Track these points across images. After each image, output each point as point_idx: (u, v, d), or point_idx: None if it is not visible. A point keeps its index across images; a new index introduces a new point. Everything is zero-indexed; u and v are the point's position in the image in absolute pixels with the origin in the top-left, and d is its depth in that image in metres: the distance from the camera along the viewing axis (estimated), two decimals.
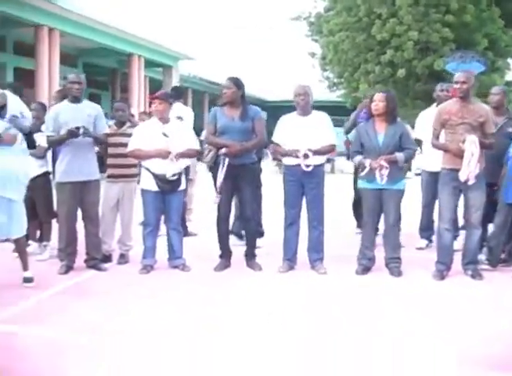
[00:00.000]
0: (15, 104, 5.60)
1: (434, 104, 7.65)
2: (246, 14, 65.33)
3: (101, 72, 27.62)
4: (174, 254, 6.46)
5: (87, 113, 6.22)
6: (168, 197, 6.34)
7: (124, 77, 26.49)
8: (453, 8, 22.71)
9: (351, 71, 26.29)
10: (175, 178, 6.24)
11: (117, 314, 4.97)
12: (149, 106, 6.57)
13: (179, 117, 7.41)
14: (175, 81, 26.78)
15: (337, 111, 5.85)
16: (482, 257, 6.54)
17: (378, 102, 6.15)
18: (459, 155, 5.93)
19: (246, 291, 5.72)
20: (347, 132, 8.29)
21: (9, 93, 5.66)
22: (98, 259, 6.41)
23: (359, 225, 8.41)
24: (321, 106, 6.45)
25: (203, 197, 8.21)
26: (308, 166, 6.18)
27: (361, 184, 6.39)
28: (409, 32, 23.07)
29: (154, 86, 26.33)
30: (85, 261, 6.40)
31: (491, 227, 6.63)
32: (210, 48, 44.82)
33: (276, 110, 6.71)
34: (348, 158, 8.29)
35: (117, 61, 27.03)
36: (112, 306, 5.18)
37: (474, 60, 17.51)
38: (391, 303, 5.35)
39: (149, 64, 26.51)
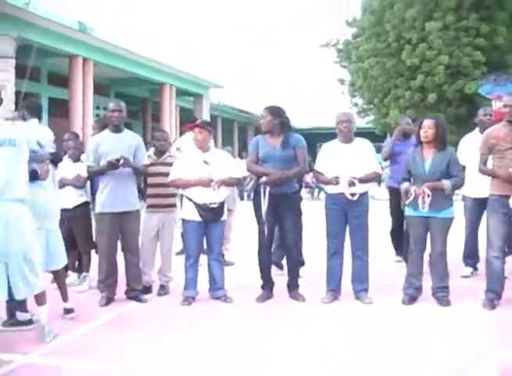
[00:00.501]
0: (31, 134, 5.21)
1: (477, 129, 7.52)
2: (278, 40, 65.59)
3: (133, 101, 27.84)
4: (216, 286, 6.36)
5: (128, 143, 6.19)
6: (210, 227, 6.25)
7: (156, 107, 26.69)
8: (484, 31, 22.60)
9: (380, 97, 26.23)
10: (216, 206, 6.16)
11: (157, 345, 4.89)
12: (180, 135, 6.53)
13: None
14: (206, 110, 26.93)
15: (366, 137, 5.82)
16: None
17: (428, 129, 6.02)
18: (509, 181, 5.77)
19: (289, 322, 5.58)
20: (386, 159, 8.19)
21: (20, 123, 5.53)
22: (138, 290, 6.33)
23: (398, 254, 8.28)
24: None
25: (242, 226, 8.13)
26: (353, 195, 6.08)
27: (407, 211, 6.25)
28: (440, 56, 22.99)
29: (185, 115, 26.48)
30: (126, 292, 6.33)
31: None
32: (241, 76, 45.01)
33: (307, 138, 6.60)
34: (379, 184, 8.18)
35: (149, 90, 27.27)
36: (153, 337, 5.10)
37: (508, 82, 17.40)
38: (440, 334, 5.18)
39: (181, 93, 26.69)
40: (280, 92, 41.02)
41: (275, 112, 6.25)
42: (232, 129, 37.86)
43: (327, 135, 7.62)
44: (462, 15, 23.01)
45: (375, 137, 17.89)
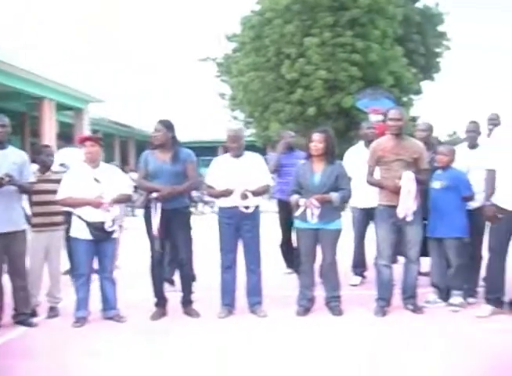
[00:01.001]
0: None
1: (361, 142, 7.75)
2: (156, 54, 65.14)
3: (10, 116, 26.76)
4: (109, 305, 6.17)
5: (12, 160, 5.91)
6: (101, 246, 6.07)
7: (34, 121, 25.74)
8: (359, 47, 23.39)
9: (261, 111, 26.53)
10: (110, 227, 5.99)
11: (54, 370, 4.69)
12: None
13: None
14: (86, 125, 26.28)
15: (248, 150, 5.90)
16: (433, 296, 6.59)
17: (317, 143, 6.11)
18: (396, 191, 5.97)
19: (184, 339, 5.52)
20: (273, 172, 8.25)
21: None
22: (27, 314, 6.04)
23: (289, 266, 8.37)
24: None
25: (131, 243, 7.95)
26: (247, 207, 6.09)
27: (297, 224, 6.32)
28: (318, 71, 23.52)
29: (65, 130, 25.72)
30: (13, 317, 6.02)
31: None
32: (120, 89, 44.41)
33: None
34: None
35: (27, 104, 26.27)
36: (51, 363, 4.90)
37: (383, 97, 18.04)
38: (335, 343, 5.29)
39: (60, 107, 25.89)
40: (162, 106, 40.79)
41: (169, 126, 6.18)
42: (113, 144, 37.22)
43: (208, 149, 7.61)
44: (338, 31, 23.70)
45: (256, 150, 18.07)
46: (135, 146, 38.04)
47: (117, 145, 36.97)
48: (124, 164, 26.58)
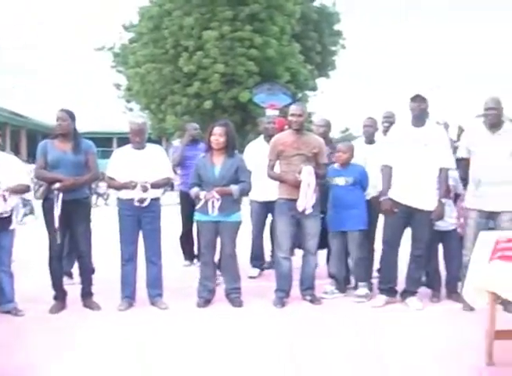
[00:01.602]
0: None
1: (262, 136, 7.87)
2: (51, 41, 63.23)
3: None
4: (6, 298, 6.00)
5: None
6: None
7: None
8: (257, 42, 23.63)
9: (157, 103, 26.38)
10: (7, 215, 5.84)
11: None
12: None
13: None
14: None
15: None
16: (330, 287, 6.78)
17: (218, 136, 6.17)
18: (296, 185, 6.12)
19: (85, 332, 5.45)
20: (177, 164, 8.26)
21: None
22: None
23: (187, 258, 8.41)
24: (125, 137, 6.29)
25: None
26: (142, 201, 6.07)
27: (197, 216, 6.36)
28: (215, 65, 23.65)
29: None
30: None
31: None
32: (11, 77, 42.86)
33: None
34: (172, 189, 8.28)
35: None
36: None
37: (280, 93, 18.38)
38: (236, 334, 5.38)
39: None
40: (56, 96, 39.73)
41: (72, 115, 6.08)
42: (5, 133, 35.94)
43: (103, 140, 7.52)
44: (237, 26, 23.89)
45: (151, 142, 17.91)
46: (26, 136, 36.89)
47: (8, 134, 35.74)
48: (15, 154, 25.72)
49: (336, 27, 30.10)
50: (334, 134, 26.48)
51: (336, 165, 6.72)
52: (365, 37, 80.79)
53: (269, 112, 15.99)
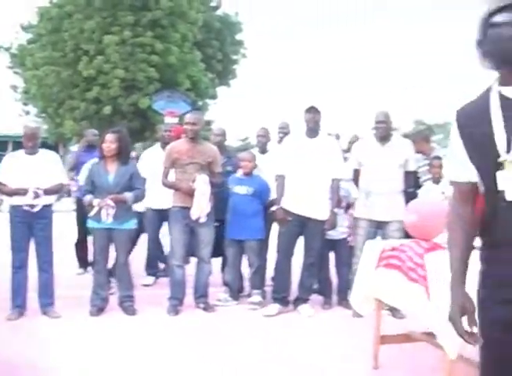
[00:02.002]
0: None
1: (158, 144, 7.86)
2: None
3: None
4: None
5: None
6: None
7: None
8: (158, 49, 23.49)
9: (55, 107, 25.73)
10: None
11: None
12: None
13: None
14: None
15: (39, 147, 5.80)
16: (223, 295, 6.85)
17: (110, 143, 6.13)
18: (190, 194, 6.16)
19: None
20: (71, 170, 8.12)
21: None
22: None
23: (81, 266, 8.28)
24: (21, 141, 6.12)
25: None
26: (33, 207, 5.95)
27: (91, 224, 6.28)
28: (116, 70, 23.29)
29: None
30: None
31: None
32: None
33: None
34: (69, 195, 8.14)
35: None
36: None
37: (180, 100, 18.38)
38: (129, 342, 5.34)
39: None
40: None
41: None
42: None
43: None
44: (139, 31, 23.63)
45: (48, 147, 17.52)
46: None
47: None
48: None
49: (238, 37, 30.33)
50: (234, 143, 26.70)
51: (239, 174, 6.80)
52: (266, 47, 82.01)
53: (168, 119, 15.98)
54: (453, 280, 2.30)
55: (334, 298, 6.78)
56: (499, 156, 2.10)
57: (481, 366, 2.33)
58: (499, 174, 2.11)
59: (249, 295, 6.81)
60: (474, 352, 4.02)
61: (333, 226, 6.36)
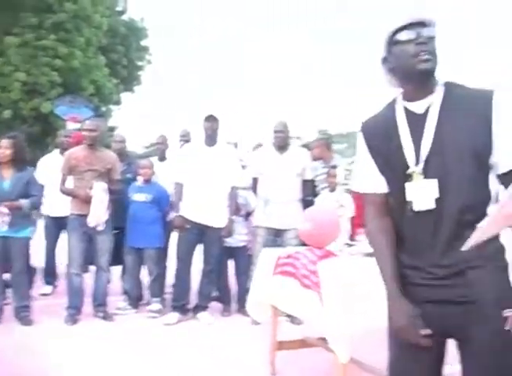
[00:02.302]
0: None
1: (57, 150, 7.72)
2: None
3: None
4: None
5: None
6: None
7: None
8: (62, 53, 23.02)
9: None
10: None
11: None
12: None
13: None
14: None
15: None
16: (123, 303, 6.77)
17: (5, 149, 5.98)
18: (87, 201, 6.07)
19: None
20: None
21: None
22: None
23: None
24: None
25: None
26: None
27: None
28: (17, 73, 22.68)
29: None
30: None
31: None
32: None
33: None
34: None
35: None
36: None
37: (83, 105, 18.04)
38: (26, 353, 5.18)
39: None
40: None
41: None
42: None
43: None
44: (42, 34, 23.09)
45: None
46: None
47: None
48: None
49: (143, 43, 30.09)
50: (139, 149, 26.45)
51: (138, 182, 6.75)
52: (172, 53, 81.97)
53: (70, 125, 15.64)
54: (391, 293, 2.28)
55: (234, 305, 6.83)
56: (407, 167, 2.17)
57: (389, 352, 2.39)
58: (407, 185, 2.18)
59: (148, 303, 6.77)
60: (363, 355, 4.22)
61: (230, 234, 6.43)
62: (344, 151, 19.17)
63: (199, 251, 6.55)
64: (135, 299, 6.82)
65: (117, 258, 6.69)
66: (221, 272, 6.68)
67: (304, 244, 4.93)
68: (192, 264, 6.47)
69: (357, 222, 4.70)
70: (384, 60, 2.27)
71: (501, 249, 2.14)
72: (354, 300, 3.73)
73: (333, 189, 6.75)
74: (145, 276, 6.92)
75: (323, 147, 7.31)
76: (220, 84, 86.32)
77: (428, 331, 2.18)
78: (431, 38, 2.15)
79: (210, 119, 6.31)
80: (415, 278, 2.22)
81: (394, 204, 2.28)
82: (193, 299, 6.60)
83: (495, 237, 2.10)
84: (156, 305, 6.63)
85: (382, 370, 4.15)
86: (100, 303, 6.43)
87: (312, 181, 6.75)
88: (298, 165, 6.45)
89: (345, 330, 3.70)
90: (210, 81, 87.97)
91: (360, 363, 4.27)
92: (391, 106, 2.29)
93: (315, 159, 7.08)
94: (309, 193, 6.60)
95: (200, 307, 6.50)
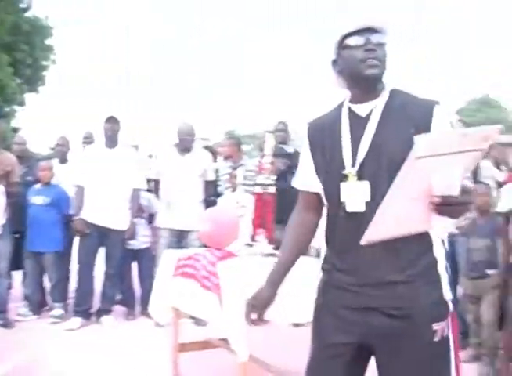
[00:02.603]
0: None
1: None
2: None
3: None
4: None
5: None
6: None
7: None
8: None
9: None
10: None
11: None
12: None
13: None
14: None
15: None
16: (24, 309, 6.58)
17: None
18: None
19: None
20: None
21: None
22: None
23: None
24: None
25: None
26: None
27: None
28: None
29: None
30: None
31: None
32: None
33: None
34: None
35: None
36: None
37: None
38: None
39: None
40: None
41: None
42: None
43: None
44: None
45: None
46: None
47: None
48: None
49: (48, 42, 29.24)
50: (44, 150, 25.76)
51: (38, 185, 6.60)
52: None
53: None
54: (267, 277, 2.45)
55: (138, 308, 6.78)
56: (344, 168, 2.19)
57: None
58: (342, 186, 2.19)
59: (50, 309, 6.63)
60: (265, 354, 4.28)
61: (133, 236, 6.40)
62: (251, 152, 19.27)
63: (102, 254, 6.47)
64: (37, 305, 6.65)
65: (18, 263, 6.52)
66: (124, 275, 6.63)
67: (205, 246, 4.95)
68: (94, 267, 6.39)
69: (257, 223, 4.75)
70: (334, 62, 2.30)
71: (433, 263, 2.15)
72: None
73: (234, 190, 6.79)
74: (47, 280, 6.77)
75: (234, 147, 7.34)
76: (219, 83, 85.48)
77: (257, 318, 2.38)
78: (381, 45, 2.19)
79: (111, 121, 6.26)
80: (341, 282, 2.24)
81: (330, 203, 2.30)
82: (97, 303, 6.51)
83: (429, 250, 2.13)
84: (58, 311, 6.50)
85: (282, 369, 4.29)
86: (0, 310, 6.24)
87: (214, 181, 6.79)
88: (200, 166, 6.49)
89: (244, 330, 3.74)
90: (210, 81, 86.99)
91: (261, 362, 4.32)
92: (339, 106, 2.34)
93: (225, 158, 7.15)
94: (211, 193, 6.66)
95: (103, 311, 6.43)
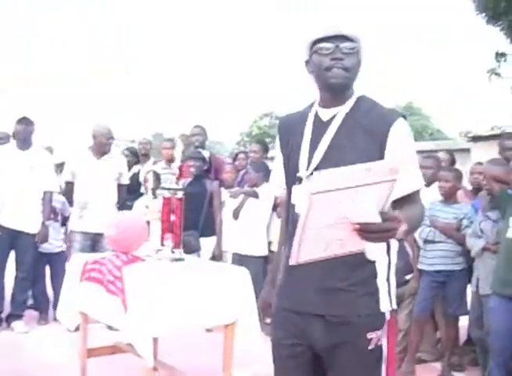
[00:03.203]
0: None
1: None
2: None
3: None
4: None
5: None
6: None
7: None
8: None
9: None
10: None
11: None
12: None
13: None
14: None
15: None
16: None
17: None
18: None
19: None
20: None
21: None
22: None
23: None
24: None
25: None
26: None
27: None
28: None
29: None
30: None
31: None
32: None
33: None
34: None
35: None
36: None
37: None
38: None
39: None
40: None
41: None
42: None
43: None
44: None
45: None
46: None
47: None
48: None
49: None
50: None
51: None
52: None
53: None
54: (267, 278, 2.53)
55: (51, 312, 6.64)
56: (298, 171, 2.21)
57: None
58: (294, 188, 2.22)
59: None
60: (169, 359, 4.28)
61: (45, 239, 6.28)
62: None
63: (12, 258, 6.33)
64: None
65: None
66: (36, 279, 6.50)
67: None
68: (5, 271, 6.24)
69: (165, 227, 4.72)
70: (306, 63, 2.30)
71: (373, 274, 2.18)
72: (158, 304, 3.76)
73: (154, 193, 6.75)
74: None
75: (172, 150, 7.34)
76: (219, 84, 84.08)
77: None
78: (350, 53, 2.18)
79: (23, 122, 6.14)
80: (291, 285, 2.27)
81: (287, 204, 2.34)
82: (7, 308, 6.36)
83: (369, 262, 2.16)
84: None
85: (188, 372, 4.29)
86: None
87: (128, 185, 6.74)
88: (115, 170, 6.45)
89: (149, 335, 3.73)
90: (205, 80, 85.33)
91: (169, 366, 4.32)
92: (310, 107, 2.35)
93: (167, 161, 7.24)
94: (125, 197, 6.62)
95: (14, 316, 6.26)
